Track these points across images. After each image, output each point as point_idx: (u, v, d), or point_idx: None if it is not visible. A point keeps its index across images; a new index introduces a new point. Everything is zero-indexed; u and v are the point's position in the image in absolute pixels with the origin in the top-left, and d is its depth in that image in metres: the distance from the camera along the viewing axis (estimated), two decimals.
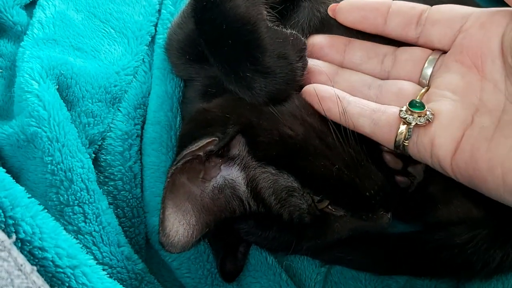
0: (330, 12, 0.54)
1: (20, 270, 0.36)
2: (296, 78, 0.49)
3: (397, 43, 0.52)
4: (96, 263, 0.46)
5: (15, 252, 0.38)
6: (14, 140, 0.54)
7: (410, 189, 0.52)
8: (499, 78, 0.45)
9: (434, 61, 0.50)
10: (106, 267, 0.51)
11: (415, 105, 0.46)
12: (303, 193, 0.49)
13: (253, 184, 0.50)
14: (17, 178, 0.54)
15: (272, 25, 0.50)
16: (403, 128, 0.46)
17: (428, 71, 0.50)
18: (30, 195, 0.45)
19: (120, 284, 0.47)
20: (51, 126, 0.52)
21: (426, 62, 0.50)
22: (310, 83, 0.51)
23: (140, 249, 0.58)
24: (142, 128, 0.62)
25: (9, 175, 0.47)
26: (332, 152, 0.48)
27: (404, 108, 0.46)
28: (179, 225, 0.46)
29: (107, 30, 0.66)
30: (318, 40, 0.54)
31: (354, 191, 0.48)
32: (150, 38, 0.67)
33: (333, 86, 0.50)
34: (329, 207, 0.50)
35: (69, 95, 0.58)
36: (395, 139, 0.47)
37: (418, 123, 0.45)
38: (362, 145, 0.49)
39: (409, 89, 0.50)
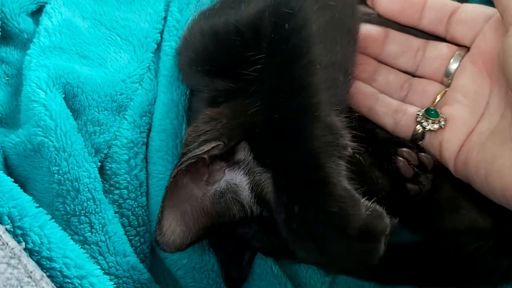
0: (369, 2, 0.56)
1: (30, 277, 0.37)
2: None
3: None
4: (103, 273, 0.46)
5: (25, 259, 0.38)
6: (21, 150, 0.54)
7: (418, 196, 0.52)
8: (503, 83, 0.46)
9: (459, 58, 0.52)
10: (112, 277, 0.51)
11: (430, 112, 0.51)
12: None
13: (258, 189, 0.50)
14: (24, 187, 0.53)
15: None
16: (418, 129, 0.52)
17: (453, 67, 0.52)
18: (37, 205, 0.45)
19: None
20: (57, 136, 0.52)
21: (452, 58, 0.53)
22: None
23: (145, 258, 0.57)
24: (148, 136, 0.62)
25: (17, 185, 0.47)
26: None
27: (421, 113, 0.52)
28: (176, 225, 0.46)
29: (113, 37, 0.66)
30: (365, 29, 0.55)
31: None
32: (156, 46, 0.67)
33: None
34: None
35: (75, 104, 0.58)
36: (411, 137, 0.52)
37: (432, 129, 0.50)
38: (375, 150, 0.50)
39: (431, 90, 0.54)
